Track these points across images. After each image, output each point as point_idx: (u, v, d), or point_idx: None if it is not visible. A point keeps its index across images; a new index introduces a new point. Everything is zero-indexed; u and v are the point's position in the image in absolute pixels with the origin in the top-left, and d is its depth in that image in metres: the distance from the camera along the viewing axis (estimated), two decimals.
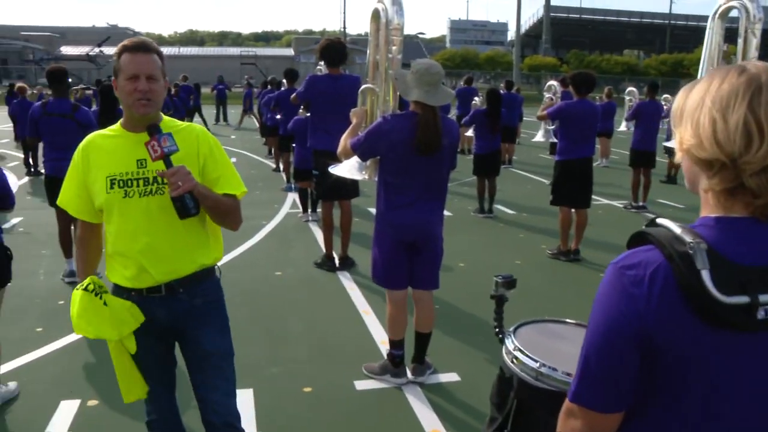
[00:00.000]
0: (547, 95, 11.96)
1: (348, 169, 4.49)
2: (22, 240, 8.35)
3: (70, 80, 7.30)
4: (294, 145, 9.33)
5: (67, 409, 4.19)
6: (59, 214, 6.50)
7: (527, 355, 2.21)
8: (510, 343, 2.33)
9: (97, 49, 57.58)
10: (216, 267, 2.86)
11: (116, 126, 2.68)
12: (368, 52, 4.67)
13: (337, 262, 7.08)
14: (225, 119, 26.29)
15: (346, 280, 6.74)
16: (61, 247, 6.67)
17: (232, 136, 21.84)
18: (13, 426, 4.02)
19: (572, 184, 7.49)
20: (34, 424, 4.02)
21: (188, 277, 2.68)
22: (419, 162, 3.97)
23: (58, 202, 2.73)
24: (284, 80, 11.89)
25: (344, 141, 4.27)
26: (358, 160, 4.32)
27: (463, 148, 15.55)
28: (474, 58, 72.61)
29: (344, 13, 69.28)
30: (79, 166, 2.64)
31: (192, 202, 2.50)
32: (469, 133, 10.77)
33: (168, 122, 2.69)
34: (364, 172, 4.45)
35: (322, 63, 7.13)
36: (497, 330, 2.45)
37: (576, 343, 2.35)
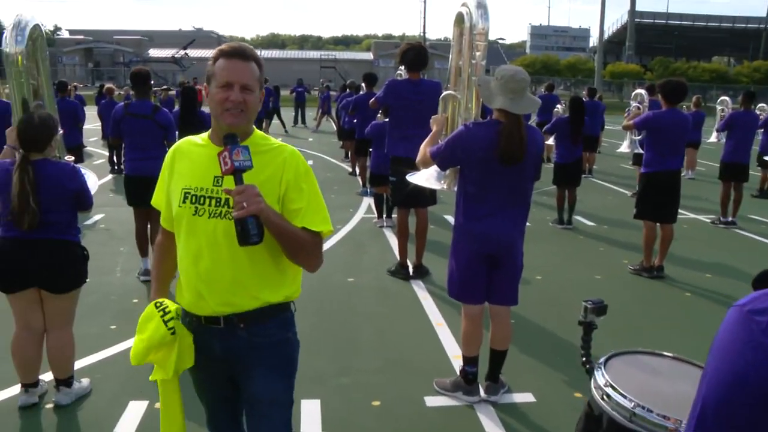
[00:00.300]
0: (633, 104, 11.51)
1: (426, 177, 4.36)
2: (102, 236, 8.54)
3: (152, 82, 7.41)
4: (371, 149, 9.25)
5: (135, 410, 4.18)
6: (137, 213, 6.59)
7: (620, 393, 2.01)
8: (600, 377, 2.13)
9: (182, 52, 59.23)
10: (291, 304, 2.54)
11: (206, 134, 2.46)
12: (450, 57, 4.53)
13: (410, 270, 6.94)
14: (303, 122, 26.56)
15: (420, 290, 6.60)
16: (137, 245, 6.76)
17: (310, 139, 22.01)
18: (84, 423, 4.05)
19: (658, 198, 7.14)
20: (104, 423, 4.03)
21: (250, 312, 2.38)
22: (502, 172, 3.80)
23: (153, 202, 2.58)
24: (363, 84, 11.85)
25: (424, 149, 4.13)
26: (437, 169, 4.18)
27: (543, 157, 15.24)
28: (555, 64, 71.44)
29: (424, 17, 69.31)
30: (165, 170, 2.49)
31: (255, 229, 2.15)
32: (550, 141, 10.46)
33: (259, 138, 2.41)
34: (442, 182, 4.30)
35: (402, 67, 7.03)
36: (584, 360, 2.27)
37: (673, 380, 2.16)
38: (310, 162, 16.08)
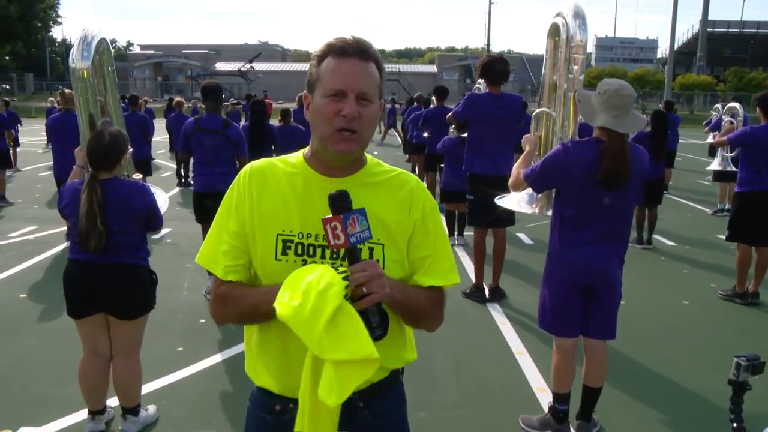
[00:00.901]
0: (726, 118, 10.87)
1: (517, 201, 4.04)
2: (169, 252, 8.45)
3: (224, 95, 7.30)
4: (442, 165, 8.95)
5: None
6: (205, 230, 6.43)
7: None
8: None
9: (248, 65, 60.12)
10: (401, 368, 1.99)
11: (297, 157, 1.84)
12: (543, 72, 4.21)
13: (487, 292, 6.60)
14: None
15: (497, 314, 6.25)
16: None
17: (375, 152, 21.83)
18: None
19: (754, 219, 6.62)
20: None
21: (372, 387, 1.82)
22: (603, 196, 3.46)
23: (198, 260, 1.89)
24: (433, 97, 11.57)
25: (516, 171, 3.81)
26: (529, 191, 3.85)
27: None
28: (622, 76, 69.86)
29: (488, 30, 68.78)
30: (239, 203, 1.80)
31: (378, 319, 1.63)
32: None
33: (372, 165, 1.85)
34: (534, 206, 3.99)
35: (480, 81, 6.71)
36: (736, 427, 1.91)
37: None
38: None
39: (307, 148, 1.83)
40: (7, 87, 52.89)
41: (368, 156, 1.88)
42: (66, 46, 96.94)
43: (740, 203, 6.74)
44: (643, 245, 9.17)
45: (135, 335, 3.87)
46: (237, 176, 1.85)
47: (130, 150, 3.80)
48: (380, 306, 1.62)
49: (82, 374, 3.89)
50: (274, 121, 11.24)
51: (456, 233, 9.02)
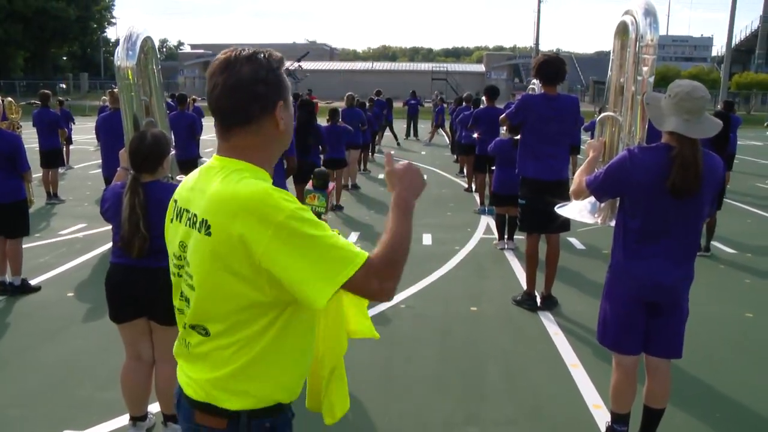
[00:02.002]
0: None
1: (578, 210, 3.82)
2: None
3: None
4: (493, 167, 8.73)
5: None
6: None
7: None
8: None
9: (296, 64, 60.38)
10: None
11: None
12: (609, 73, 3.96)
13: (538, 300, 6.37)
14: (416, 135, 26.25)
15: (549, 323, 6.02)
16: None
17: (422, 152, 21.64)
18: None
19: None
20: None
21: None
22: (672, 206, 3.23)
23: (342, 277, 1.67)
24: (483, 97, 11.34)
25: (578, 178, 3.59)
26: (591, 200, 3.64)
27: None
28: (676, 75, 68.19)
29: (538, 29, 67.85)
30: None
31: None
32: None
33: None
34: (597, 215, 3.76)
35: (535, 81, 6.48)
36: None
37: None
38: (424, 176, 15.68)
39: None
40: (64, 86, 54.14)
41: None
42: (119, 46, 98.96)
43: None
44: (701, 252, 8.81)
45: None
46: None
47: (173, 152, 3.69)
48: None
49: (124, 379, 3.81)
50: (322, 121, 11.14)
51: (506, 237, 8.79)
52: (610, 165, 3.35)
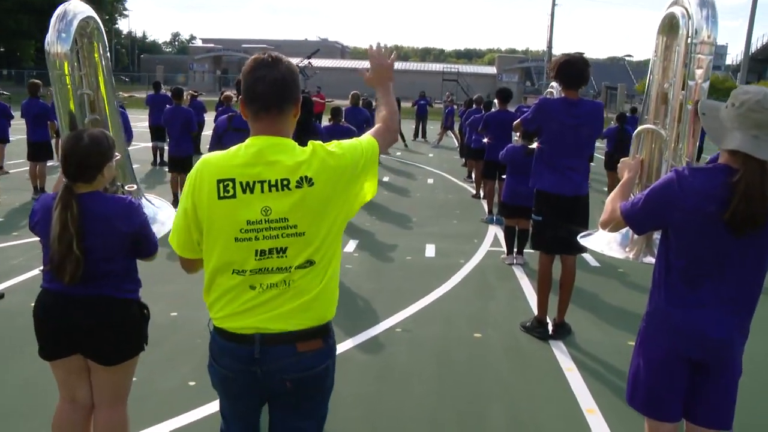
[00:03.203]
0: None
1: (606, 242, 3.18)
2: None
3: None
4: (504, 175, 8.10)
5: None
6: None
7: None
8: None
9: (306, 61, 59.75)
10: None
11: None
12: (649, 77, 3.26)
13: (550, 328, 5.73)
14: (424, 136, 25.58)
15: (563, 356, 5.37)
16: None
17: (430, 155, 20.99)
18: None
19: None
20: None
21: None
22: (729, 243, 2.57)
23: None
24: (495, 100, 10.70)
25: (611, 205, 2.91)
26: (623, 230, 2.97)
27: None
28: None
29: (551, 32, 66.89)
30: None
31: None
32: None
33: None
34: (628, 249, 3.11)
35: (554, 84, 5.82)
36: None
37: None
38: (431, 180, 15.08)
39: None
40: None
41: None
42: (131, 38, 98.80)
43: None
44: None
45: (121, 383, 3.13)
46: None
47: (117, 156, 3.04)
48: None
49: (56, 424, 3.18)
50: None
51: (515, 251, 8.14)
52: (652, 189, 2.69)
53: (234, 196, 2.18)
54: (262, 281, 2.21)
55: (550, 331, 5.69)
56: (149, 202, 3.27)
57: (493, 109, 11.09)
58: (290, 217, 2.17)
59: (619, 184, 2.98)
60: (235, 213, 2.18)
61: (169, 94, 12.58)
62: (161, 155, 15.62)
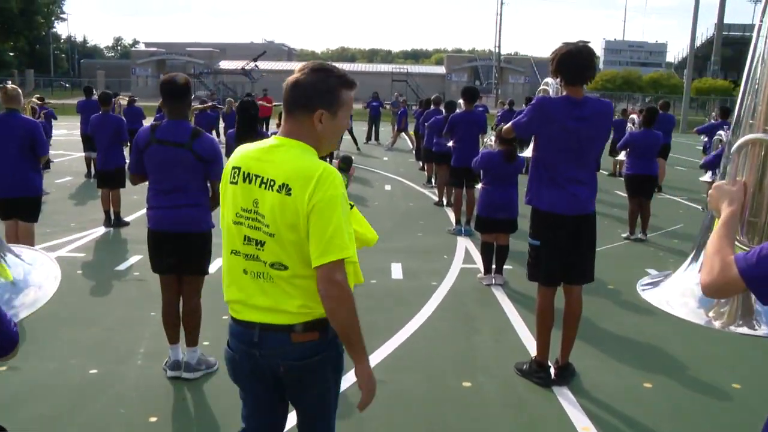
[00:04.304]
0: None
1: (681, 298, 2.23)
2: (133, 291, 6.69)
3: (194, 96, 5.48)
4: (482, 185, 7.16)
5: None
6: (166, 283, 4.64)
7: None
8: None
9: (252, 64, 58.38)
10: None
11: (314, 150, 2.42)
12: (749, 67, 2.23)
13: (552, 372, 4.79)
14: (377, 138, 24.58)
15: (574, 410, 4.38)
16: (164, 325, 4.75)
17: (385, 158, 20.02)
18: None
19: None
20: None
21: None
22: None
23: (342, 255, 2.27)
24: (461, 101, 9.77)
25: (717, 257, 1.84)
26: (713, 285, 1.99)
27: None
28: (636, 80, 68.08)
29: (499, 30, 66.54)
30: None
31: None
32: (706, 178, 8.23)
33: None
34: (711, 313, 2.16)
35: (551, 81, 4.86)
36: None
37: None
38: (388, 187, 14.13)
39: (308, 145, 2.40)
40: (9, 82, 51.41)
41: None
42: (71, 43, 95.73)
43: None
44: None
45: None
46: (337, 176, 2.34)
47: None
48: None
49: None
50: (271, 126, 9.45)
51: (494, 269, 7.22)
52: None
53: (236, 182, 2.40)
54: (250, 268, 2.39)
55: (553, 375, 4.76)
56: (18, 258, 2.21)
57: (457, 110, 10.18)
58: (267, 216, 2.31)
59: (720, 223, 2.01)
60: (235, 198, 2.41)
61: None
62: (95, 166, 14.33)
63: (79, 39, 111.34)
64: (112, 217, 9.67)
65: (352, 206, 2.48)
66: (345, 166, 2.53)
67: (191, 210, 4.37)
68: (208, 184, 4.47)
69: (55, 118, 17.12)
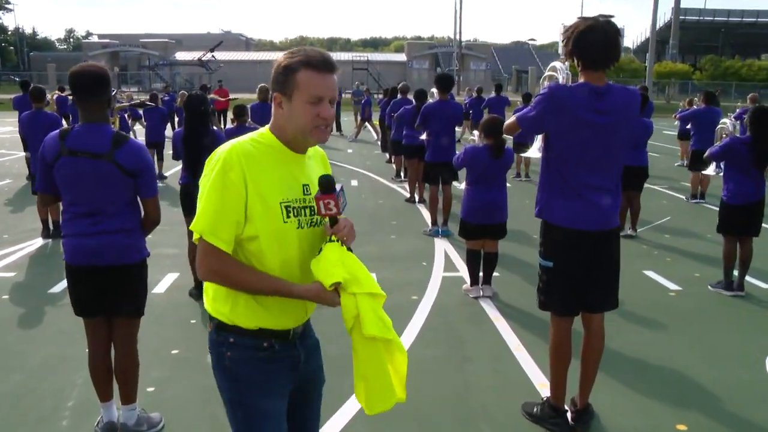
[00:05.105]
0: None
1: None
2: (68, 321, 5.69)
3: (115, 92, 4.48)
4: (466, 185, 6.33)
5: None
6: (92, 329, 3.71)
7: None
8: None
9: (209, 54, 56.92)
10: None
11: (266, 135, 2.22)
12: None
13: (570, 416, 3.98)
14: (339, 129, 23.61)
15: None
16: (93, 381, 3.79)
17: (349, 150, 19.12)
18: None
19: None
20: None
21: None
22: None
23: (208, 237, 2.10)
24: (434, 90, 8.93)
25: None
26: None
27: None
28: None
29: (459, 17, 65.82)
30: (238, 182, 2.09)
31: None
32: (710, 171, 7.49)
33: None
34: None
35: (560, 65, 3.99)
36: None
37: None
38: (354, 182, 13.28)
39: (267, 129, 2.23)
40: None
41: None
42: (19, 35, 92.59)
43: None
44: (733, 292, 6.64)
45: None
46: (220, 158, 2.11)
47: None
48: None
49: None
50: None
51: (482, 280, 6.40)
52: None
53: None
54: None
55: (570, 420, 3.95)
56: None
57: (430, 100, 9.34)
58: None
59: None
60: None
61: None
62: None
63: (28, 31, 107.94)
64: (51, 226, 8.64)
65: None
66: (328, 188, 2.16)
67: (118, 237, 3.45)
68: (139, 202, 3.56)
69: None
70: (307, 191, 2.21)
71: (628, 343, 5.28)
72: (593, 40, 3.43)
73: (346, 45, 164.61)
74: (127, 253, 3.51)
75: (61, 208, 3.69)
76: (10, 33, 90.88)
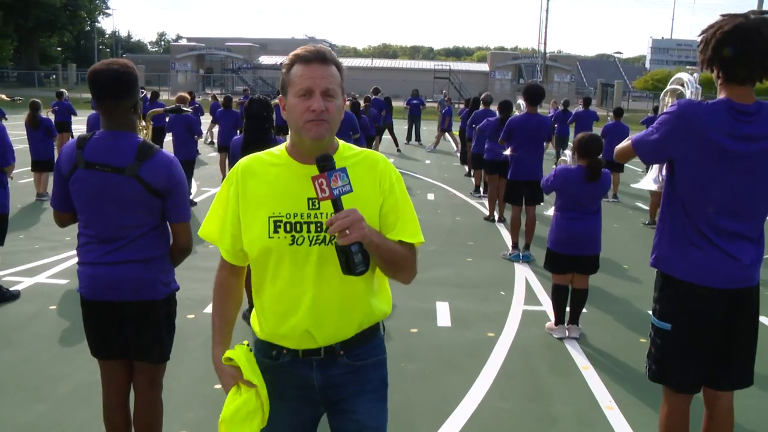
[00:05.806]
0: None
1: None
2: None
3: (144, 91, 3.96)
4: (553, 211, 5.60)
5: None
6: (106, 370, 3.16)
7: None
8: None
9: None
10: (382, 322, 2.26)
11: (280, 150, 2.15)
12: None
13: None
14: (418, 138, 22.98)
15: None
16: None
17: (427, 161, 18.46)
18: None
19: None
20: None
21: (353, 337, 2.16)
22: None
23: (202, 233, 2.22)
24: (521, 101, 8.19)
25: None
26: None
27: None
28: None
29: (546, 27, 64.20)
30: (233, 196, 2.13)
31: (360, 257, 1.92)
32: None
33: (343, 149, 2.16)
34: None
35: (687, 77, 3.19)
36: None
37: None
38: (431, 196, 12.62)
39: (288, 142, 2.14)
40: (54, 77, 51.81)
41: (340, 142, 2.17)
42: (115, 38, 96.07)
43: None
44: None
45: None
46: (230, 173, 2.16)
47: None
48: (362, 246, 1.93)
49: None
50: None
51: (567, 319, 5.64)
52: None
53: None
54: None
55: None
56: None
57: (516, 112, 8.59)
58: None
59: None
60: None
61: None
62: None
63: (124, 34, 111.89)
64: None
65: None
66: (329, 164, 1.91)
67: (138, 267, 2.88)
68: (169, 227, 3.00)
69: (75, 114, 16.21)
70: (314, 205, 2.05)
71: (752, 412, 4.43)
72: (744, 42, 2.63)
73: (429, 53, 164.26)
74: (151, 287, 2.93)
75: None
76: (107, 36, 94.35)
